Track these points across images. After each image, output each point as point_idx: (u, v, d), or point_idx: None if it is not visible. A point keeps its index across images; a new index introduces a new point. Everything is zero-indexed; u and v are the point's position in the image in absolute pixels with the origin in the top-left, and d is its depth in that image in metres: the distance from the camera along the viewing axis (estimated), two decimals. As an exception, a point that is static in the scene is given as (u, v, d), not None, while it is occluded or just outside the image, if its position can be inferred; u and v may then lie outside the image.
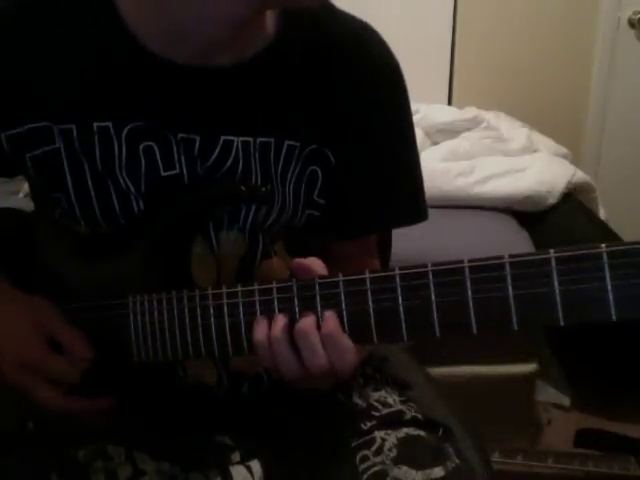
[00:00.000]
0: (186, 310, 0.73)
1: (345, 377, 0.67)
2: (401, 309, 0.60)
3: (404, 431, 0.83)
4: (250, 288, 0.68)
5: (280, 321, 0.65)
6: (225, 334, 0.70)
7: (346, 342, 0.63)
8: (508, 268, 0.55)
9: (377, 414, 0.86)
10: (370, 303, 0.61)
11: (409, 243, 1.34)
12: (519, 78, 2.73)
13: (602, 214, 2.27)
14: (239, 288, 0.69)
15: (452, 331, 0.58)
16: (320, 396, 0.92)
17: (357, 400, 0.90)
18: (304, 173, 0.85)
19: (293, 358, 0.65)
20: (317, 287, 0.64)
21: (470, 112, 2.47)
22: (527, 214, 2.11)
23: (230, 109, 0.81)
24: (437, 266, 0.58)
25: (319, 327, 0.64)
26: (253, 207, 0.82)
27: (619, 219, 2.33)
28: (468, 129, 2.41)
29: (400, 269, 0.60)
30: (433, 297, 0.58)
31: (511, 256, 0.55)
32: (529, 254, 0.55)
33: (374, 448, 0.81)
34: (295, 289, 0.65)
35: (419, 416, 0.87)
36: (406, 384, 0.94)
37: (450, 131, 2.40)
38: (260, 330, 0.66)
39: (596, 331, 2.03)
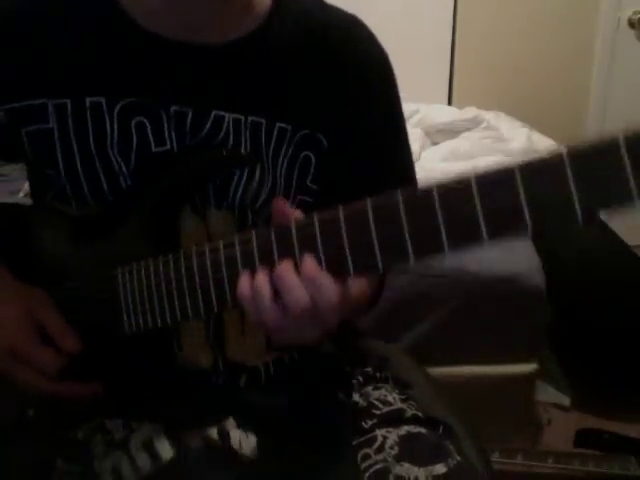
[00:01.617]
0: (172, 272, 0.74)
1: (331, 324, 0.66)
2: (375, 240, 0.60)
3: (405, 429, 0.83)
4: (231, 241, 0.69)
5: (261, 271, 0.65)
6: (209, 290, 0.70)
7: (325, 278, 0.63)
8: (474, 185, 0.55)
9: (378, 412, 0.86)
10: (345, 239, 0.62)
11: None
12: (519, 78, 2.74)
13: (602, 214, 2.26)
14: (220, 243, 0.69)
15: (426, 254, 0.58)
16: (320, 395, 0.92)
17: (357, 399, 0.90)
18: (297, 158, 0.86)
19: (275, 304, 0.64)
20: (294, 231, 0.65)
21: (470, 112, 2.48)
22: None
23: (222, 85, 0.82)
24: (406, 193, 0.59)
25: (299, 270, 0.64)
26: (242, 184, 0.83)
27: (619, 219, 2.32)
28: (468, 129, 2.41)
29: (371, 202, 0.60)
30: (405, 224, 0.58)
31: (477, 174, 0.55)
32: (494, 168, 0.54)
33: (375, 446, 0.81)
34: (273, 236, 0.66)
35: (419, 414, 0.87)
36: (406, 383, 0.94)
37: (450, 131, 2.40)
38: (244, 284, 0.66)
39: (596, 331, 2.03)
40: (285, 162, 0.85)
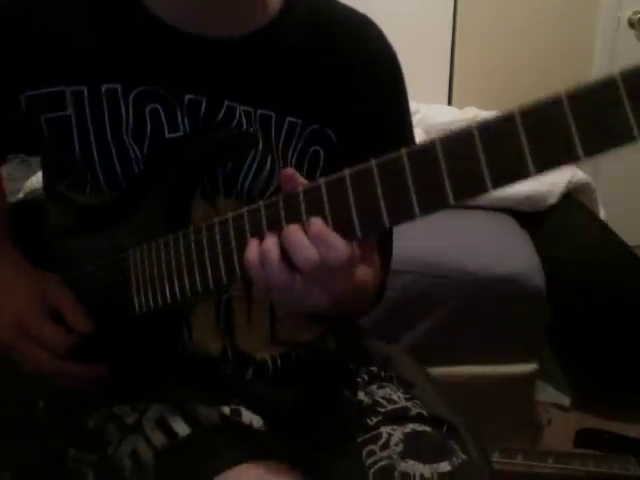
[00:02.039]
0: (181, 248, 0.74)
1: (339, 288, 0.66)
2: (380, 197, 0.60)
3: (410, 426, 0.84)
4: (240, 212, 0.69)
5: (269, 236, 0.65)
6: (218, 261, 0.71)
7: (334, 236, 0.63)
8: (476, 134, 0.55)
9: (383, 410, 0.87)
10: (351, 199, 0.62)
11: (409, 244, 1.34)
12: (519, 78, 2.74)
13: (602, 214, 2.27)
14: (229, 215, 0.70)
15: (430, 207, 0.59)
16: (326, 392, 0.92)
17: (363, 397, 0.91)
18: (306, 153, 0.87)
19: (283, 264, 0.64)
20: (301, 196, 0.65)
21: (470, 112, 2.48)
22: (527, 214, 2.12)
23: (233, 77, 0.83)
24: (410, 149, 0.59)
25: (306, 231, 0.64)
26: (251, 173, 0.84)
27: (619, 219, 2.33)
28: (468, 129, 2.41)
29: (375, 160, 0.61)
30: (409, 179, 0.59)
31: (478, 123, 0.55)
32: (494, 116, 0.55)
33: (380, 443, 0.81)
34: (281, 203, 0.66)
35: (424, 412, 0.87)
36: (410, 383, 0.95)
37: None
38: (252, 249, 0.66)
39: (596, 331, 2.03)
40: (295, 156, 0.86)
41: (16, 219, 0.95)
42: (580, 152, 0.51)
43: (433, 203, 0.58)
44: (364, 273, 0.82)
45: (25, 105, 0.83)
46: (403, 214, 0.60)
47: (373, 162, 0.61)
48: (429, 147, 0.57)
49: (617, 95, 0.49)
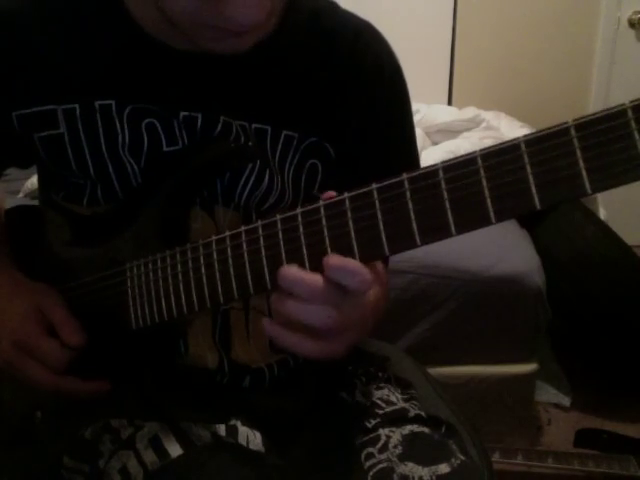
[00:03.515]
0: (179, 264, 0.73)
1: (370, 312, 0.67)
2: (380, 223, 0.59)
3: (408, 428, 0.83)
4: (238, 231, 0.68)
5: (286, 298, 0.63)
6: (215, 281, 0.70)
7: (353, 262, 0.60)
8: (480, 161, 0.53)
9: (381, 412, 0.86)
10: (351, 223, 0.61)
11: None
12: (519, 78, 2.74)
13: (602, 214, 2.27)
14: (227, 234, 0.69)
15: (432, 236, 0.57)
16: (323, 395, 0.92)
17: (360, 399, 0.90)
18: (304, 166, 0.86)
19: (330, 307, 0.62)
20: (300, 217, 0.64)
21: (470, 112, 2.48)
22: (527, 214, 2.11)
23: (228, 93, 0.82)
24: (412, 173, 0.57)
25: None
26: (249, 186, 0.83)
27: (619, 219, 2.33)
28: (468, 129, 2.41)
29: (376, 184, 0.59)
30: (410, 204, 0.57)
31: (482, 151, 0.54)
32: (499, 144, 0.53)
33: (379, 445, 0.80)
34: (279, 224, 0.65)
35: (422, 413, 0.86)
36: (408, 383, 0.94)
37: (450, 131, 2.40)
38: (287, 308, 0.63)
39: (596, 331, 2.04)
40: (292, 169, 0.85)
41: (12, 226, 0.94)
42: (586, 182, 0.49)
43: (434, 232, 0.57)
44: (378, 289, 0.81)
45: (17, 123, 0.82)
46: (404, 241, 0.58)
47: (374, 186, 0.59)
48: (429, 172, 0.56)
49: (626, 124, 0.48)
